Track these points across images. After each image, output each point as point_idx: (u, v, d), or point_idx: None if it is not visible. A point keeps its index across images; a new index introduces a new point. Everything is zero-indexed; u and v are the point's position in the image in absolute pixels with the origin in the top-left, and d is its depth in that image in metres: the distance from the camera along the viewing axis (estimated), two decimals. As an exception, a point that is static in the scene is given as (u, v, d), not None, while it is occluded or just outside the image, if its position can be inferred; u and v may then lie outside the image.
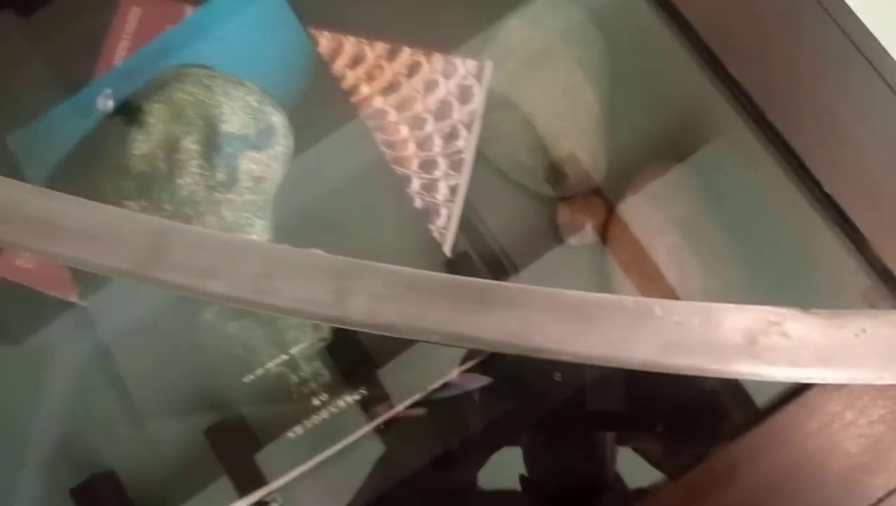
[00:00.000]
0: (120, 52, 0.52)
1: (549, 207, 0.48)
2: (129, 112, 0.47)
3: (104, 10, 0.52)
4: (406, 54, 0.47)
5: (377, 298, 0.33)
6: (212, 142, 0.48)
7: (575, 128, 0.46)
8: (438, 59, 0.47)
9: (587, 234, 0.49)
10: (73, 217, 0.34)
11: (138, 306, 0.47)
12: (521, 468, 0.43)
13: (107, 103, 0.49)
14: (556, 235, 0.48)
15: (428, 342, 0.34)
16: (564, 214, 0.48)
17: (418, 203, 0.46)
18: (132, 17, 0.52)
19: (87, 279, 0.47)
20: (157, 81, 0.49)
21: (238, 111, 0.48)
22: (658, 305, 0.33)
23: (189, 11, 0.51)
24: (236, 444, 0.45)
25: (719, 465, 0.36)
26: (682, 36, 0.40)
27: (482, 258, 0.47)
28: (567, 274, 0.48)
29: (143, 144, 0.48)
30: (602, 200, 0.48)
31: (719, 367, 0.33)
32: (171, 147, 0.48)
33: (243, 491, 0.43)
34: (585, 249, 0.48)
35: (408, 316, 0.33)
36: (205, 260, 0.33)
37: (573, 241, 0.49)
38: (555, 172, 0.48)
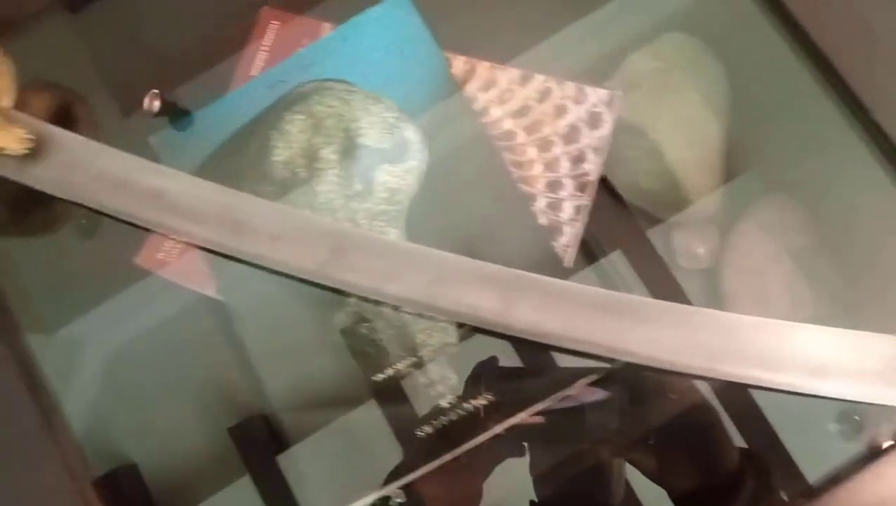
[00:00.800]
0: (257, 63, 0.55)
1: (664, 231, 0.51)
2: (174, 113, 0.50)
3: (244, 21, 0.55)
4: (538, 81, 0.50)
5: (540, 308, 0.36)
6: (350, 153, 0.51)
7: (698, 157, 0.49)
8: (570, 87, 0.49)
9: (700, 258, 0.51)
10: (262, 217, 0.36)
11: (274, 303, 0.49)
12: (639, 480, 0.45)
13: (153, 104, 0.52)
14: (669, 258, 0.51)
15: (580, 353, 0.37)
16: (679, 239, 0.51)
17: (543, 221, 0.49)
18: (270, 31, 0.55)
19: (225, 275, 0.50)
20: (298, 94, 0.53)
21: (375, 126, 0.51)
22: (804, 329, 0.36)
23: (325, 27, 0.54)
24: (361, 438, 0.47)
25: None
26: (807, 66, 0.42)
27: (598, 276, 0.50)
28: (678, 297, 0.51)
29: (283, 151, 0.51)
30: (716, 226, 0.51)
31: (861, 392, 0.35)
32: (311, 156, 0.51)
33: (372, 486, 0.45)
34: (697, 273, 0.51)
35: (568, 327, 0.35)
36: (382, 264, 0.36)
37: (686, 264, 0.51)
38: (674, 198, 0.50)
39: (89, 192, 0.41)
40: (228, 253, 0.40)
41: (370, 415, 0.47)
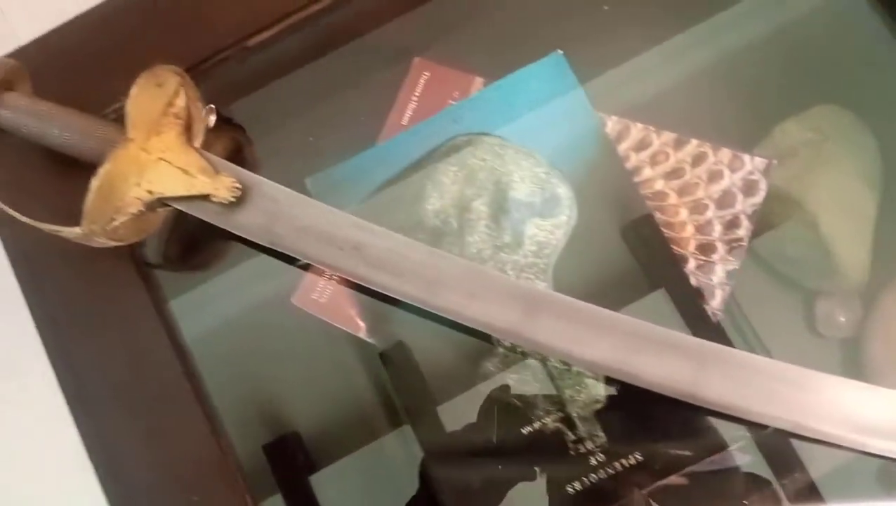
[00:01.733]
0: (408, 113, 0.56)
1: (807, 299, 0.51)
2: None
3: (396, 70, 0.57)
4: (692, 145, 0.51)
5: (731, 379, 0.36)
6: (501, 206, 0.52)
7: (850, 228, 0.49)
8: (725, 153, 0.50)
9: (842, 327, 0.51)
10: (458, 275, 0.37)
11: (421, 350, 0.50)
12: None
13: (209, 118, 0.51)
14: (811, 326, 0.51)
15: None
16: (822, 307, 0.51)
17: (693, 282, 0.49)
18: (422, 81, 0.57)
19: (373, 320, 0.51)
20: (451, 145, 0.54)
21: (526, 180, 0.53)
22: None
23: (476, 81, 0.56)
24: (495, 492, 0.48)
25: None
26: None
27: (743, 342, 0.50)
28: (819, 365, 0.51)
29: (436, 201, 0.53)
30: (861, 295, 0.51)
31: None
32: (463, 207, 0.52)
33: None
34: (839, 342, 0.51)
35: (760, 400, 0.36)
36: (574, 328, 0.37)
37: (827, 333, 0.51)
38: (821, 267, 0.51)
39: (290, 241, 0.42)
40: (424, 307, 0.41)
41: (518, 467, 0.48)
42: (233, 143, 0.48)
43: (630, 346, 0.36)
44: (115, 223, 0.42)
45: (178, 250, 0.49)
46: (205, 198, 0.43)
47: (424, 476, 0.47)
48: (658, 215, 0.51)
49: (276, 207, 0.42)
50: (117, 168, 0.41)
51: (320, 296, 0.53)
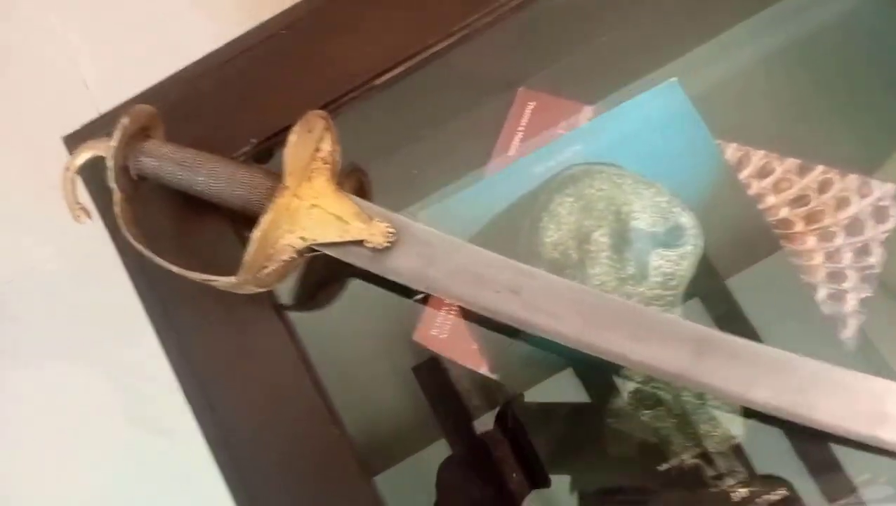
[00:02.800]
0: (515, 144, 0.55)
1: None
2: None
3: (500, 100, 0.56)
4: (817, 172, 0.50)
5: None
6: (622, 237, 0.51)
7: None
8: (853, 180, 0.49)
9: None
10: (623, 317, 0.36)
11: (551, 390, 0.49)
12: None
13: None
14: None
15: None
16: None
17: (826, 311, 0.48)
18: (528, 111, 0.56)
19: (496, 355, 0.50)
20: (567, 176, 0.53)
21: (647, 210, 0.52)
22: None
23: (585, 110, 0.55)
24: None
25: None
26: None
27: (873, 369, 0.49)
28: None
29: (554, 232, 0.52)
30: None
31: None
32: (583, 238, 0.51)
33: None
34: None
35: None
36: (747, 368, 0.36)
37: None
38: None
39: (444, 285, 0.41)
40: (585, 351, 0.40)
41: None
42: (357, 182, 0.48)
43: (798, 385, 0.35)
44: (267, 270, 0.41)
45: (308, 290, 0.47)
46: (358, 244, 0.42)
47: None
48: (785, 244, 0.50)
49: (430, 251, 0.41)
50: (275, 217, 0.40)
51: (440, 332, 0.52)
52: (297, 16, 0.50)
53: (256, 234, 0.40)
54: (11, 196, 1.15)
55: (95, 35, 1.22)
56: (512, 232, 0.53)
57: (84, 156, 0.44)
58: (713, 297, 0.50)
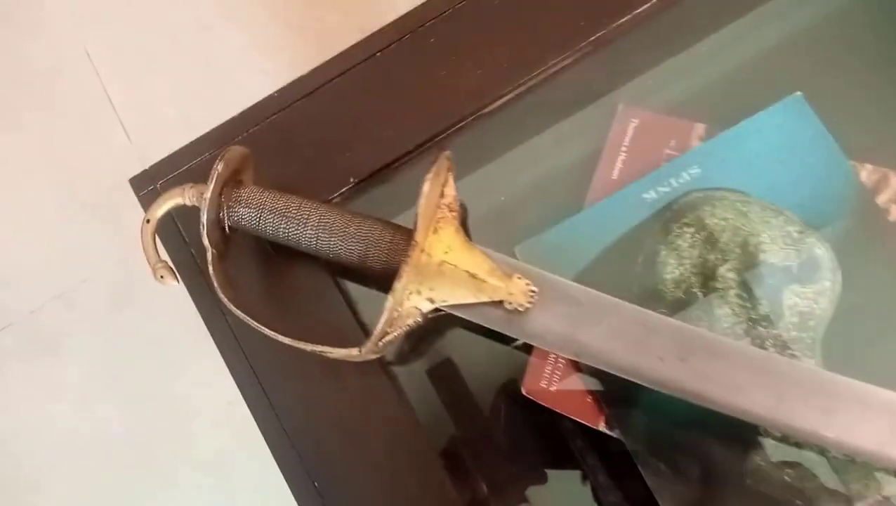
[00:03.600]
0: (618, 167, 0.50)
1: None
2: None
3: (598, 119, 0.51)
4: (967, 194, 0.45)
5: None
6: (751, 272, 0.46)
7: None
8: None
9: None
10: (809, 387, 0.32)
11: (679, 442, 0.44)
12: None
13: None
14: None
15: None
16: None
17: (981, 351, 0.43)
18: (630, 130, 0.51)
19: (617, 412, 0.45)
20: (685, 203, 0.48)
21: (778, 241, 0.46)
22: None
23: (696, 128, 0.49)
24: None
25: None
26: None
27: None
28: None
29: (675, 268, 0.47)
30: None
31: None
32: (707, 274, 0.46)
33: None
34: None
35: None
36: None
37: None
38: None
39: (597, 350, 0.36)
40: (770, 428, 0.35)
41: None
42: (460, 220, 0.42)
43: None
44: (389, 337, 0.36)
45: (411, 345, 0.42)
46: (494, 305, 0.37)
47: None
48: (931, 275, 0.45)
49: (578, 312, 0.36)
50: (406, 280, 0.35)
51: (549, 383, 0.47)
52: (387, 39, 0.44)
53: (390, 302, 0.34)
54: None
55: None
56: (622, 269, 0.47)
57: (167, 206, 0.38)
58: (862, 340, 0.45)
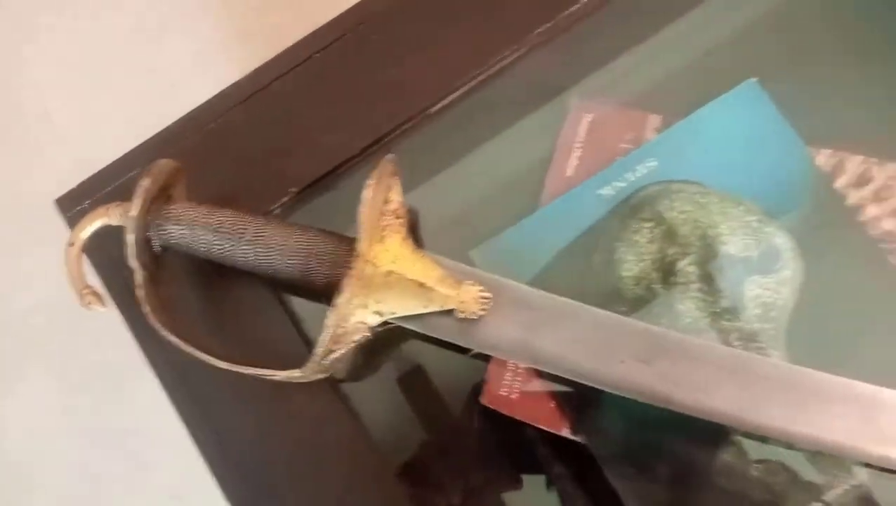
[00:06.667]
0: (572, 163, 0.49)
1: None
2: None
3: (549, 113, 0.49)
4: (924, 175, 0.45)
5: None
6: (712, 265, 0.45)
7: None
8: (964, 182, 0.44)
9: None
10: (780, 383, 0.30)
11: (634, 444, 0.43)
12: None
13: None
14: None
15: None
16: None
17: (943, 332, 0.43)
18: (584, 124, 0.49)
19: (581, 416, 0.43)
20: (641, 197, 0.47)
21: (737, 231, 0.45)
22: None
23: (650, 118, 0.48)
24: None
25: None
26: None
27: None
28: None
29: (634, 266, 0.45)
30: None
31: None
32: (667, 270, 0.45)
33: None
34: None
35: None
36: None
37: None
38: None
39: (555, 357, 0.34)
40: (741, 428, 0.33)
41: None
42: (410, 226, 0.40)
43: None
44: (334, 355, 0.34)
45: (364, 360, 0.40)
46: (445, 314, 0.35)
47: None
48: (892, 260, 0.45)
49: (534, 317, 0.34)
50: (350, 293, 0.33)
51: (510, 391, 0.45)
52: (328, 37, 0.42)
53: (332, 318, 0.32)
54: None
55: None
56: (580, 269, 0.46)
57: (92, 228, 0.35)
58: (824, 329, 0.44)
